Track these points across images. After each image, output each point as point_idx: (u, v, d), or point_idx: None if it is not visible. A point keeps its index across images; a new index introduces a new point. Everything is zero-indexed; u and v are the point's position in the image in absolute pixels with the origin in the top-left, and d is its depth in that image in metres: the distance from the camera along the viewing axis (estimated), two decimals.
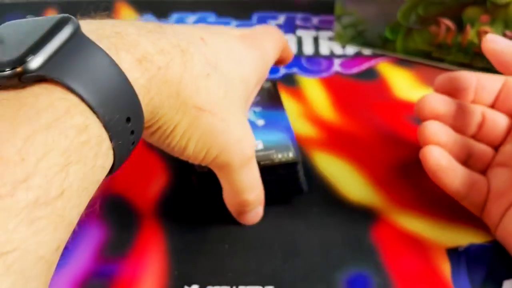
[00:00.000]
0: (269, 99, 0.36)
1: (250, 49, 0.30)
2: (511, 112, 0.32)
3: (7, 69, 0.18)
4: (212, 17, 0.53)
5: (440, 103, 0.32)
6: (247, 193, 0.29)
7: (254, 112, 0.35)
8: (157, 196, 0.34)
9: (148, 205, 0.34)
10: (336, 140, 0.38)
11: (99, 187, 0.35)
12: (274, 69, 0.45)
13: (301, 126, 0.39)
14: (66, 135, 0.18)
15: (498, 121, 0.32)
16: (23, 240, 0.16)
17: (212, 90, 0.26)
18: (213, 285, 0.29)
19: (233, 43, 0.29)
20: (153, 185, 0.35)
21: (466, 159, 0.32)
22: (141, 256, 0.31)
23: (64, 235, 0.18)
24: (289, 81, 0.44)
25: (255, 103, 0.36)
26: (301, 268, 0.30)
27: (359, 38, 0.47)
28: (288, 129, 0.34)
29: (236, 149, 0.27)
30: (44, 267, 0.17)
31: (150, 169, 0.36)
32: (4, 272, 0.15)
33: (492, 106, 0.33)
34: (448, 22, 0.42)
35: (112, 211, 0.33)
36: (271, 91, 0.37)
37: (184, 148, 0.26)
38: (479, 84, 0.33)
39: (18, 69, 0.18)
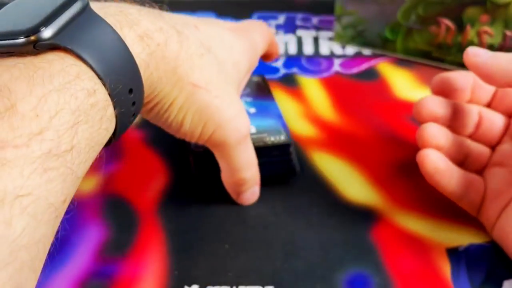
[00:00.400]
0: (259, 91, 0.38)
1: (240, 39, 0.32)
2: (508, 111, 0.32)
3: (22, 37, 0.20)
4: (212, 17, 0.53)
5: (437, 106, 0.32)
6: (244, 171, 0.31)
7: (246, 102, 0.36)
8: (157, 196, 0.34)
9: (148, 205, 0.34)
10: (336, 140, 0.38)
11: (99, 187, 0.35)
12: (274, 69, 0.45)
13: (301, 126, 0.39)
14: (76, 96, 0.19)
15: (494, 121, 0.32)
16: (36, 187, 0.17)
17: (206, 68, 0.27)
18: (213, 285, 0.29)
19: (224, 33, 0.31)
20: (153, 185, 0.35)
21: (463, 160, 0.32)
22: (141, 256, 0.31)
23: (71, 188, 0.20)
24: (289, 81, 0.44)
25: (246, 94, 0.37)
26: (301, 268, 0.30)
27: (359, 38, 0.47)
28: (279, 116, 0.35)
29: (231, 126, 0.28)
30: (53, 216, 0.18)
31: (150, 169, 0.36)
32: (20, 213, 0.17)
33: (489, 105, 0.33)
34: (448, 22, 0.42)
35: (112, 211, 0.33)
36: (260, 84, 0.39)
37: (181, 124, 0.28)
38: (476, 83, 0.33)
39: (32, 38, 0.20)
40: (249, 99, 0.37)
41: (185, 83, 0.26)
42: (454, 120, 0.32)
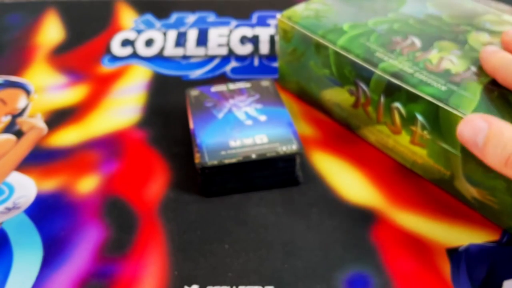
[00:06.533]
0: (269, 97, 0.38)
1: None
2: None
3: None
4: (212, 17, 0.53)
5: None
6: None
7: (256, 109, 0.36)
8: (157, 196, 0.34)
9: (148, 205, 0.34)
10: (336, 140, 0.38)
11: (99, 187, 0.35)
12: (274, 69, 0.45)
13: (301, 126, 0.39)
14: None
15: None
16: None
17: None
18: (213, 285, 0.29)
19: None
20: (153, 185, 0.35)
21: None
22: (141, 256, 0.31)
23: None
24: None
25: (256, 101, 0.37)
26: (301, 268, 0.30)
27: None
28: (289, 123, 0.35)
29: None
30: None
31: (150, 169, 0.36)
32: None
33: None
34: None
35: (112, 211, 0.33)
36: (269, 88, 0.38)
37: None
38: None
39: None
40: (259, 106, 0.36)
41: None
42: None
